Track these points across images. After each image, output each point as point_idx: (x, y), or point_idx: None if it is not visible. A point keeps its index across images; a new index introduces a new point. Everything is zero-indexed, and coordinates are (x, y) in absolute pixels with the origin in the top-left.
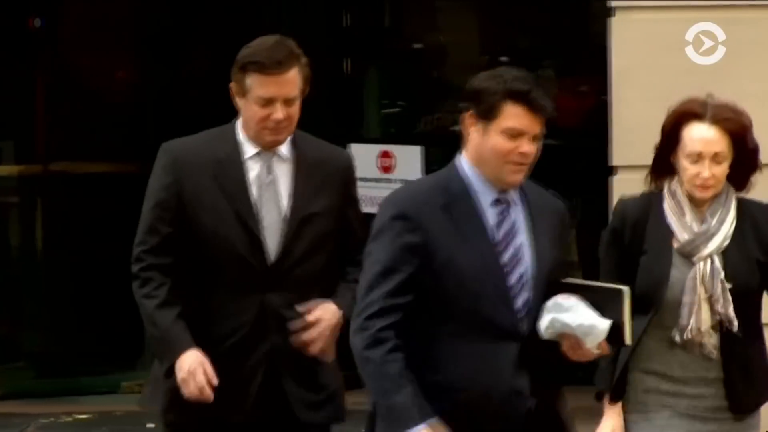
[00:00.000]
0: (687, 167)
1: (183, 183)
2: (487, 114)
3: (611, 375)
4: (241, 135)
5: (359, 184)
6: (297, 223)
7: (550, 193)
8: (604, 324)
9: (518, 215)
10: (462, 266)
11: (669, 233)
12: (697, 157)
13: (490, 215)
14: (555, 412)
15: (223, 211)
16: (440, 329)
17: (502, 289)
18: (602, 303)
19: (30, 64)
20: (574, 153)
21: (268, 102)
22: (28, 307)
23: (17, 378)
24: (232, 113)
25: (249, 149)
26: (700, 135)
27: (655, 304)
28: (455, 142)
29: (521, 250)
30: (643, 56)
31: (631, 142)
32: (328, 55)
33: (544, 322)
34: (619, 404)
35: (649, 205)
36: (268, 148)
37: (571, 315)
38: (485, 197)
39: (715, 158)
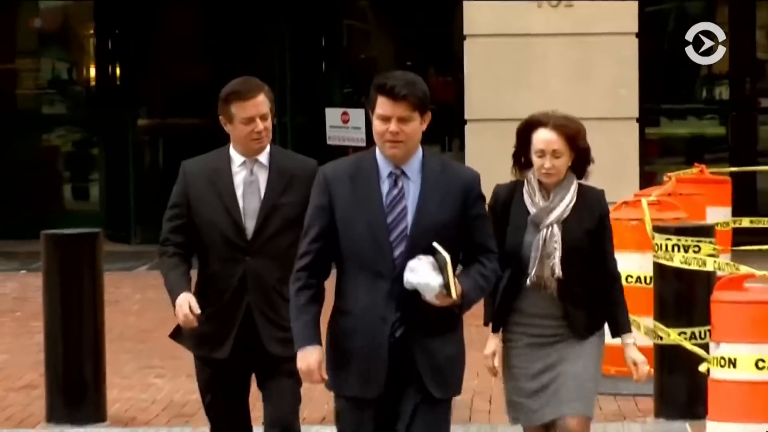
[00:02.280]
0: (535, 161)
1: (189, 188)
2: (371, 105)
3: (490, 311)
4: (231, 151)
5: (333, 131)
6: (267, 210)
7: (464, 168)
8: (435, 282)
9: (409, 186)
10: (354, 223)
11: (525, 209)
12: (541, 153)
13: (385, 185)
14: (424, 343)
15: (216, 205)
16: (343, 268)
17: (383, 242)
18: (441, 265)
19: (152, 68)
20: (446, 111)
21: (249, 120)
22: (160, 198)
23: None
24: None
25: (237, 159)
26: (543, 137)
27: (516, 260)
28: None
29: (404, 213)
30: (483, 61)
31: (475, 107)
32: (313, 63)
33: (404, 280)
34: (499, 332)
35: (515, 189)
36: (253, 155)
37: (413, 275)
38: (384, 171)
39: (554, 154)
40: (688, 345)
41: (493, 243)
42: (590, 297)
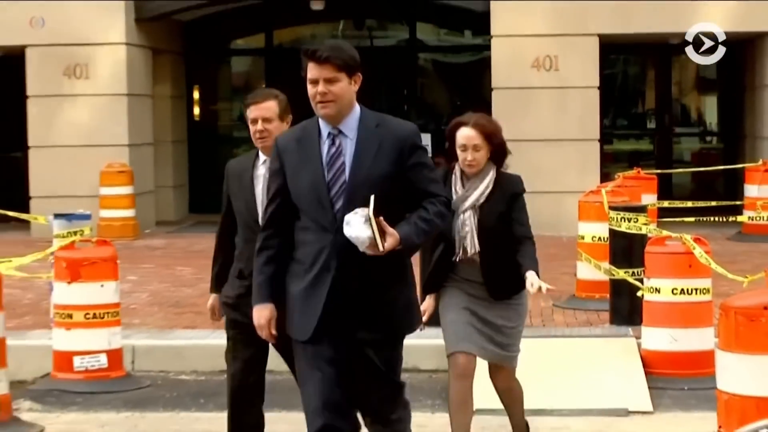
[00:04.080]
0: (459, 154)
1: (229, 185)
2: (304, 72)
3: (426, 278)
4: (260, 151)
5: None
6: None
7: (400, 123)
8: (364, 234)
9: (347, 144)
10: (300, 182)
11: (451, 196)
12: (464, 147)
13: (325, 145)
14: (364, 290)
15: (240, 198)
16: (297, 223)
17: (323, 198)
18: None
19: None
20: None
21: (253, 121)
22: None
23: None
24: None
25: (261, 158)
26: (464, 134)
27: (446, 239)
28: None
29: (342, 169)
30: (504, 103)
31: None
32: (399, 105)
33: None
34: (433, 295)
35: (446, 177)
36: (267, 154)
37: (347, 228)
38: (324, 132)
39: (475, 148)
40: (630, 279)
41: (437, 187)
42: (507, 268)
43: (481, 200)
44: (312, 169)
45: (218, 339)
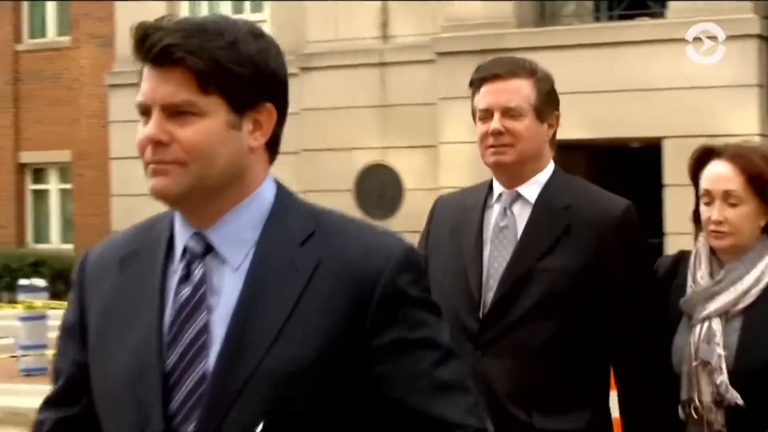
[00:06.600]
0: (702, 211)
1: (433, 225)
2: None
3: None
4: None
5: None
6: (519, 274)
7: (375, 235)
8: None
9: (222, 276)
10: (111, 362)
11: (684, 292)
12: (708, 198)
13: (176, 276)
14: None
15: (456, 258)
16: None
17: (152, 406)
18: None
19: None
20: None
21: (485, 115)
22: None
23: None
24: None
25: (495, 190)
26: (711, 171)
27: (669, 374)
28: None
29: (202, 341)
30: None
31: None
32: None
33: None
34: None
35: (680, 261)
36: (505, 183)
37: None
38: (179, 243)
39: (727, 198)
40: None
41: (453, 408)
42: None
43: (744, 303)
44: (136, 335)
45: None
